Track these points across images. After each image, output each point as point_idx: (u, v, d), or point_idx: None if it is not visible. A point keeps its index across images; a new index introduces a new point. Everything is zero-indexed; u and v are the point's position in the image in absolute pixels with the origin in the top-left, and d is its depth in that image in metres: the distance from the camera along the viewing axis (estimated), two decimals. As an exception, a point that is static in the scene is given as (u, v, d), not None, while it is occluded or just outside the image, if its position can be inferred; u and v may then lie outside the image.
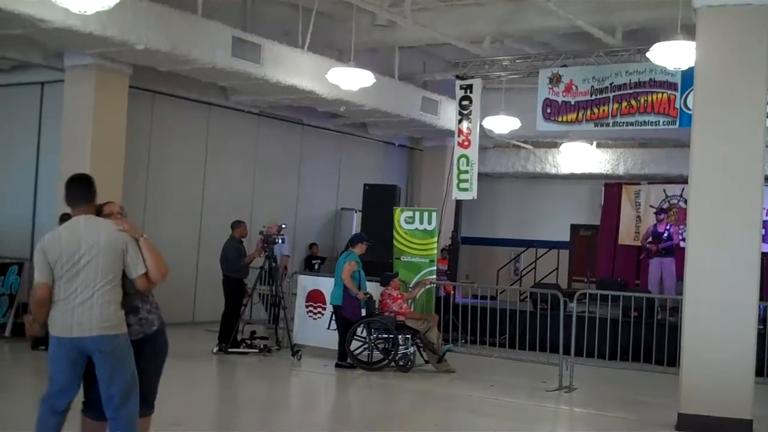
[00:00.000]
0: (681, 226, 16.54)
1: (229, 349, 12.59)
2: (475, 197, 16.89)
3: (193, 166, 16.05)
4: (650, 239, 16.06)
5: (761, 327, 10.88)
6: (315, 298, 13.42)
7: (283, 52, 14.05)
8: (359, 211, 17.49)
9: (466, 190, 16.77)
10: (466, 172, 16.72)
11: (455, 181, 16.86)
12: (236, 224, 13.28)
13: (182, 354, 12.71)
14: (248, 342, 13.00)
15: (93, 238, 5.41)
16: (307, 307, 13.54)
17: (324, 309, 13.23)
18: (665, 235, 15.69)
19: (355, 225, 18.39)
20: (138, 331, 5.57)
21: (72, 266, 5.35)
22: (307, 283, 13.79)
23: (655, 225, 16.48)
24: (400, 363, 11.98)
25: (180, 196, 15.72)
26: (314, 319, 13.42)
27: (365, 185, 16.78)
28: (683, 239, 15.16)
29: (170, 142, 15.53)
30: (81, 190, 5.65)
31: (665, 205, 19.16)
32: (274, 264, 12.99)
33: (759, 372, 9.30)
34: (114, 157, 13.57)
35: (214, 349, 12.69)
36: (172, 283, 16.19)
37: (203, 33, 12.71)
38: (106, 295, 5.37)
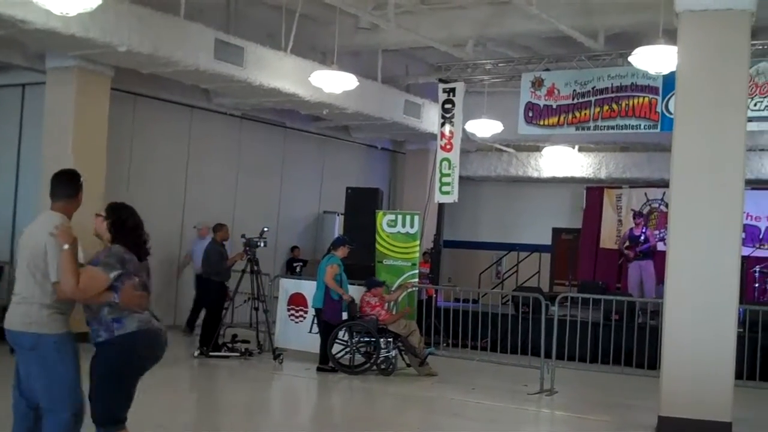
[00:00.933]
0: (661, 230, 16.63)
1: (211, 353, 12.55)
2: (457, 200, 16.92)
3: (176, 169, 15.99)
4: (627, 243, 16.11)
5: (741, 330, 10.95)
6: (297, 301, 13.40)
7: (266, 55, 14.03)
8: (341, 214, 17.48)
9: (447, 193, 16.79)
10: (448, 175, 16.74)
11: (437, 184, 16.88)
12: (218, 227, 13.26)
13: (163, 358, 12.70)
14: (230, 345, 12.96)
15: (33, 235, 5.38)
16: (288, 310, 13.51)
17: (306, 312, 13.21)
18: (642, 238, 15.75)
19: (337, 228, 18.37)
20: (92, 337, 5.40)
21: (19, 260, 5.41)
22: (288, 286, 13.77)
23: (631, 229, 16.53)
24: (382, 366, 11.98)
25: (162, 198, 15.65)
26: (296, 322, 13.40)
27: (348, 188, 16.76)
28: (661, 241, 15.29)
29: (152, 144, 15.47)
30: (58, 186, 5.58)
31: (646, 209, 19.25)
32: (256, 267, 12.96)
33: (739, 375, 9.36)
34: (95, 160, 13.48)
35: (195, 353, 12.65)
36: (153, 286, 16.14)
37: (186, 35, 12.67)
38: (30, 293, 5.30)
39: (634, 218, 16.85)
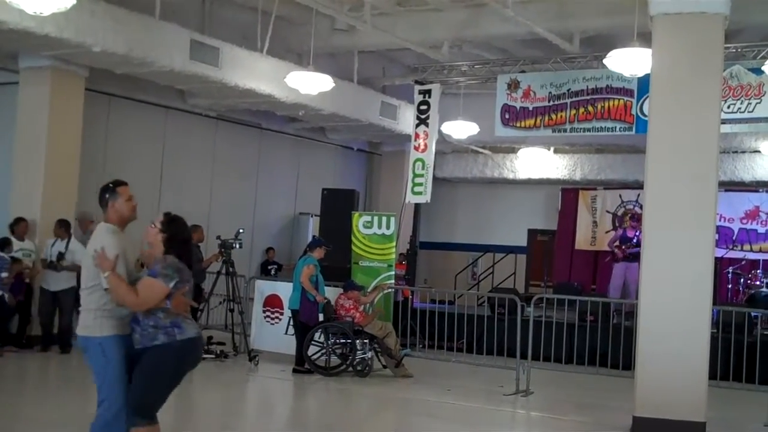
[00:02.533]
0: (637, 232, 16.72)
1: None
2: (429, 201, 16.95)
3: (150, 170, 15.89)
4: (617, 242, 16.12)
5: (714, 331, 11.05)
6: (272, 303, 13.36)
7: (242, 56, 13.98)
8: (316, 215, 17.46)
9: (420, 194, 16.82)
10: (421, 176, 16.77)
11: (410, 184, 16.91)
12: (193, 228, 13.16)
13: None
14: (205, 347, 12.89)
15: (88, 247, 5.68)
16: (264, 312, 13.47)
17: (281, 314, 13.17)
18: (634, 240, 15.80)
19: (311, 229, 18.34)
20: (138, 341, 5.60)
21: None
22: (264, 288, 13.73)
23: (624, 229, 16.53)
24: (358, 368, 11.97)
25: (136, 199, 15.50)
26: (271, 324, 13.36)
27: (323, 190, 16.75)
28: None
29: (127, 145, 15.36)
30: (98, 199, 5.94)
31: (620, 211, 19.34)
32: (231, 269, 12.90)
33: (712, 375, 9.44)
34: (69, 160, 13.41)
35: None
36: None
37: (161, 35, 12.60)
38: (83, 300, 5.63)
39: (631, 219, 16.84)
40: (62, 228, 12.72)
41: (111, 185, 5.90)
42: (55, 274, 12.67)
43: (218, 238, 12.99)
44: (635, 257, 15.51)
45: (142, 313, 5.56)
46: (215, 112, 16.93)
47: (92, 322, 5.57)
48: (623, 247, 15.88)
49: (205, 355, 12.64)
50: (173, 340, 5.57)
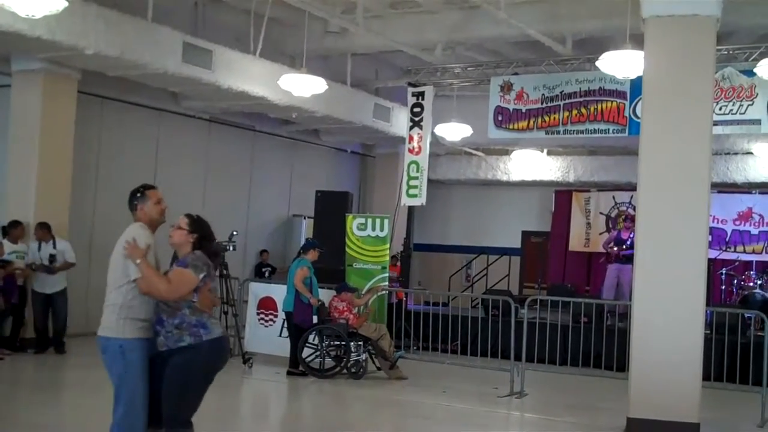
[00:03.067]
0: (630, 233, 16.74)
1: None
2: (424, 203, 16.96)
3: (143, 172, 15.80)
4: (612, 244, 16.14)
5: (708, 332, 11.07)
6: (266, 305, 13.35)
7: (235, 58, 13.98)
8: (309, 217, 17.44)
9: (415, 196, 16.83)
10: (416, 178, 16.78)
11: (405, 187, 16.91)
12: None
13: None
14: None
15: (117, 245, 5.70)
16: (258, 314, 13.46)
17: (275, 316, 13.16)
18: (628, 242, 15.82)
19: (305, 231, 18.33)
20: (162, 343, 5.59)
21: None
22: (258, 290, 13.72)
23: (619, 231, 16.57)
24: (352, 370, 11.96)
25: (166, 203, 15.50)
26: (265, 326, 13.35)
27: (317, 192, 16.75)
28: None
29: (120, 147, 15.34)
30: (128, 201, 5.94)
31: (614, 213, 19.38)
32: (225, 271, 12.88)
33: (706, 376, 9.46)
34: (62, 163, 13.38)
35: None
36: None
37: (153, 38, 12.59)
38: (111, 298, 5.64)
39: (624, 221, 16.87)
40: (44, 230, 12.70)
41: (140, 189, 5.95)
42: (48, 276, 12.67)
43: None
44: (629, 259, 15.52)
45: (167, 312, 5.56)
46: (208, 115, 16.91)
47: (115, 323, 5.56)
48: (617, 248, 15.90)
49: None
50: (200, 341, 5.55)
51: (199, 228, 5.86)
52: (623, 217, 17.52)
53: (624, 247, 15.77)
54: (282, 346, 12.50)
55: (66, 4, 9.27)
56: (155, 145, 16.07)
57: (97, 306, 15.63)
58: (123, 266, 5.56)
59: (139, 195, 5.90)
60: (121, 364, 5.52)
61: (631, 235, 15.80)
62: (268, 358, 12.86)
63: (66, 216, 13.34)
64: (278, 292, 12.92)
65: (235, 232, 13.20)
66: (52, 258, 12.68)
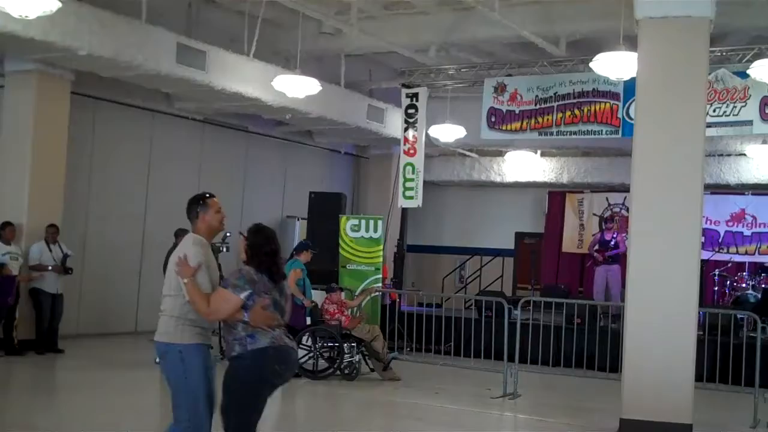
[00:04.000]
0: (623, 234, 16.77)
1: (173, 359, 12.43)
2: (420, 205, 16.95)
3: (137, 173, 15.86)
4: (597, 247, 16.22)
5: (701, 333, 11.09)
6: (260, 306, 13.31)
7: (229, 59, 13.97)
8: (303, 218, 17.43)
9: (411, 198, 16.82)
10: (412, 180, 16.77)
11: (400, 189, 16.90)
12: (180, 232, 13.08)
13: (125, 364, 12.59)
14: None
15: (173, 255, 5.75)
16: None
17: (269, 318, 13.12)
18: (612, 243, 15.88)
19: (298, 233, 18.31)
20: (227, 352, 5.67)
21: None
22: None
23: (602, 233, 16.65)
24: (346, 371, 11.96)
25: (123, 203, 15.52)
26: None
27: (311, 193, 16.74)
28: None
29: (113, 148, 15.33)
30: (187, 210, 5.97)
31: (607, 214, 19.42)
32: (219, 273, 12.85)
33: (699, 377, 9.48)
34: (55, 164, 13.37)
35: (157, 359, 12.50)
36: (115, 292, 16.00)
37: (147, 39, 12.58)
38: (165, 306, 5.70)
39: (606, 222, 16.96)
40: (55, 231, 12.91)
41: (202, 197, 5.95)
42: (54, 276, 12.84)
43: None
44: (614, 260, 15.60)
45: (225, 327, 5.63)
46: (202, 116, 16.89)
47: (174, 329, 5.60)
48: (603, 250, 15.94)
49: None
50: (244, 351, 5.52)
51: (252, 238, 5.80)
52: (605, 218, 17.60)
53: (608, 248, 15.83)
54: (275, 348, 12.46)
55: (59, 4, 9.26)
56: (149, 146, 16.06)
57: (89, 308, 15.74)
58: (177, 279, 5.61)
59: (201, 203, 5.90)
60: (180, 369, 5.58)
61: (615, 236, 15.88)
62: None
63: (59, 217, 13.32)
64: (271, 294, 12.87)
65: (228, 233, 13.17)
66: (65, 258, 12.83)
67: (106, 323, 15.01)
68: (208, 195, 5.96)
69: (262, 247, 5.72)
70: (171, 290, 5.67)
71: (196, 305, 5.50)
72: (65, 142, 13.51)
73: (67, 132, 13.52)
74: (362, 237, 14.36)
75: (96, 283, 14.81)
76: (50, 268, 12.82)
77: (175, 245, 12.84)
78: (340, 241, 14.44)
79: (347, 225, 14.50)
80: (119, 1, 12.40)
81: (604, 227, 16.82)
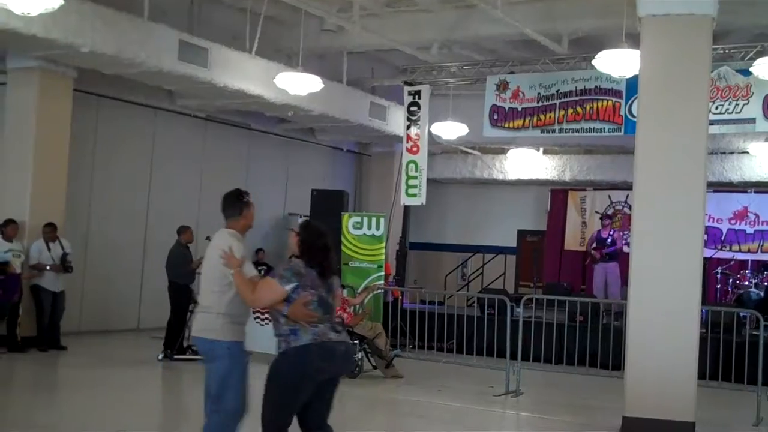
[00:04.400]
0: (625, 231, 16.77)
1: (175, 356, 12.45)
2: (424, 203, 16.93)
3: (139, 171, 15.87)
4: (594, 245, 16.24)
5: (704, 331, 11.08)
6: (262, 303, 13.31)
7: (231, 57, 13.96)
8: (305, 216, 17.43)
9: (414, 195, 16.80)
10: (415, 177, 16.76)
11: (403, 186, 16.89)
12: (182, 229, 13.17)
13: (127, 361, 12.61)
14: (194, 348, 12.85)
15: (211, 253, 5.87)
16: (253, 313, 13.42)
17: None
18: (609, 240, 15.88)
19: (301, 230, 18.28)
20: (277, 349, 5.74)
21: (202, 274, 5.97)
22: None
23: (599, 231, 16.67)
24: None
25: (125, 200, 15.54)
26: (261, 325, 13.30)
27: (313, 190, 16.75)
28: (627, 244, 15.41)
29: (116, 146, 15.34)
30: (225, 206, 6.13)
31: (610, 211, 19.41)
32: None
33: (701, 375, 9.47)
34: (58, 161, 13.38)
35: (160, 356, 12.54)
36: (117, 289, 15.99)
37: (150, 36, 12.57)
38: (209, 303, 5.79)
39: (601, 220, 16.98)
40: (53, 230, 12.91)
41: (245, 194, 6.12)
42: (54, 274, 12.87)
43: (208, 239, 12.92)
44: (612, 257, 15.61)
45: (273, 323, 5.73)
46: (204, 113, 16.90)
47: (220, 327, 5.69)
48: (600, 248, 15.95)
49: (194, 357, 12.62)
50: (288, 347, 5.61)
51: (303, 232, 5.80)
52: (601, 216, 17.61)
53: (605, 245, 15.83)
54: (278, 345, 12.46)
55: (62, 2, 9.25)
56: (151, 143, 16.07)
57: (91, 305, 15.72)
58: (221, 273, 5.67)
59: (245, 201, 6.08)
60: (228, 365, 5.72)
61: (611, 233, 15.89)
62: (263, 356, 12.75)
63: (62, 214, 13.33)
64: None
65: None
66: (65, 257, 12.83)
67: (108, 320, 15.03)
68: (247, 193, 6.15)
69: (315, 242, 5.72)
70: (215, 286, 5.74)
71: (243, 292, 5.59)
72: (67, 140, 13.51)
73: (69, 129, 13.52)
74: (364, 234, 14.36)
75: (98, 281, 14.82)
76: (48, 267, 12.82)
77: (178, 243, 12.98)
78: (343, 239, 14.43)
79: (349, 222, 14.50)
80: (121, -1, 12.41)
81: (601, 224, 16.83)
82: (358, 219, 14.61)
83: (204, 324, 5.78)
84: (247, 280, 5.62)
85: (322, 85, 13.66)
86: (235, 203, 6.03)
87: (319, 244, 5.71)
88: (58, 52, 12.08)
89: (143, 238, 15.82)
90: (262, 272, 17.88)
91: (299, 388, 5.59)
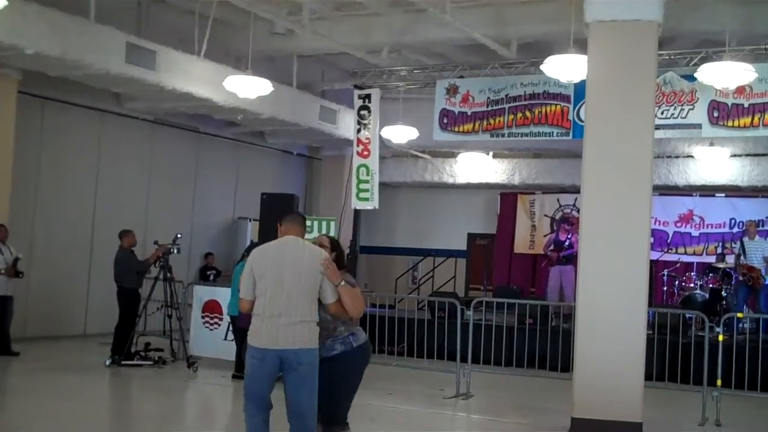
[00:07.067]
0: (574, 235, 16.93)
1: (123, 362, 12.30)
2: (377, 207, 16.90)
3: (86, 174, 15.65)
4: (552, 247, 16.32)
5: (650, 332, 11.22)
6: (211, 308, 13.23)
7: (179, 59, 13.84)
8: (255, 220, 17.34)
9: (366, 199, 16.75)
10: (366, 181, 16.70)
11: (354, 190, 16.83)
12: (124, 234, 13.01)
13: (74, 367, 12.41)
14: (142, 354, 12.73)
15: (301, 263, 5.94)
16: (203, 317, 13.33)
17: (221, 319, 13.05)
18: (566, 243, 16.00)
19: (250, 234, 18.21)
20: (324, 350, 6.05)
21: (276, 284, 5.88)
22: (203, 293, 13.59)
23: (556, 233, 16.78)
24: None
25: (72, 204, 15.31)
26: (210, 329, 13.23)
27: (263, 194, 16.61)
28: (575, 246, 15.55)
29: (61, 149, 15.11)
30: (296, 222, 6.34)
31: (558, 215, 19.58)
32: (169, 274, 12.76)
33: (648, 376, 9.59)
34: (2, 165, 13.18)
35: (107, 362, 12.38)
36: (63, 294, 15.75)
37: (96, 38, 12.40)
38: (309, 315, 5.90)
39: (562, 223, 17.07)
40: (4, 232, 12.65)
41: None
42: (3, 278, 12.65)
43: (156, 243, 12.84)
44: (568, 260, 15.73)
45: (322, 329, 6.01)
46: (152, 116, 16.72)
47: (315, 336, 5.93)
48: (557, 250, 16.07)
49: (142, 362, 12.51)
50: (350, 348, 6.19)
51: (338, 248, 6.40)
52: (562, 219, 17.75)
53: (563, 248, 15.96)
54: (227, 350, 12.39)
55: (6, 3, 9.11)
56: (98, 146, 15.86)
57: (37, 310, 15.42)
58: (315, 284, 5.89)
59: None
60: (316, 369, 5.95)
61: (569, 236, 16.01)
62: (213, 361, 12.73)
63: (5, 218, 13.10)
64: (223, 296, 12.81)
65: (179, 235, 13.08)
66: (16, 261, 12.68)
67: (54, 326, 14.79)
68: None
69: (344, 252, 6.46)
70: (308, 296, 5.90)
71: (357, 305, 6.03)
72: (12, 143, 13.31)
73: (13, 132, 13.31)
74: (313, 239, 14.29)
75: (44, 285, 14.58)
76: (2, 271, 12.58)
77: (121, 248, 12.82)
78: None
79: (300, 226, 14.43)
80: (67, 0, 12.21)
81: (558, 228, 16.95)
82: (309, 223, 14.52)
83: (301, 335, 5.86)
84: (355, 291, 6.03)
85: (272, 89, 13.60)
86: (302, 221, 6.42)
87: (344, 258, 6.43)
88: (2, 53, 11.87)
89: (90, 243, 15.61)
90: (212, 277, 17.89)
91: (360, 380, 6.36)
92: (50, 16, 11.70)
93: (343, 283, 5.93)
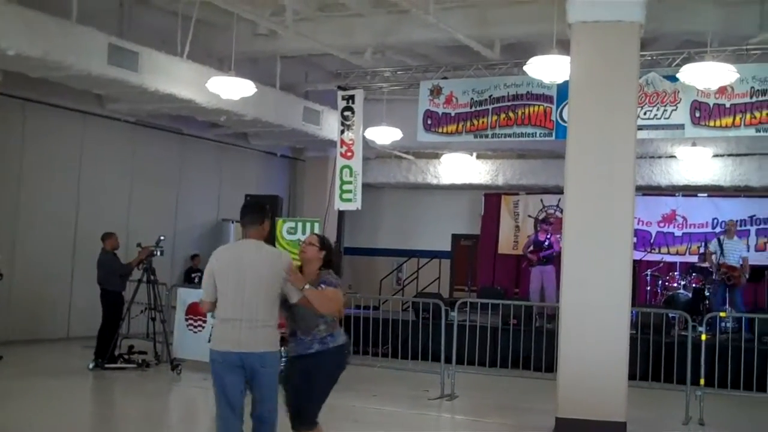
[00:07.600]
0: (559, 235, 16.97)
1: (107, 365, 12.24)
2: (360, 208, 16.90)
3: (68, 176, 15.56)
4: (531, 248, 16.38)
5: (633, 332, 11.26)
6: (195, 311, 13.16)
7: (162, 60, 13.78)
8: (238, 221, 17.30)
9: (349, 200, 16.76)
10: (350, 182, 16.71)
11: (338, 191, 16.84)
12: (106, 236, 12.94)
13: (57, 371, 12.34)
14: (126, 357, 12.67)
15: (260, 266, 5.88)
16: (187, 320, 13.27)
17: (204, 322, 12.99)
18: (546, 243, 16.04)
19: (234, 236, 18.16)
20: (293, 349, 6.22)
21: (236, 287, 5.84)
22: (186, 296, 13.53)
23: (536, 234, 16.83)
24: (282, 374, 11.84)
25: (54, 206, 15.22)
26: (194, 332, 13.18)
27: (246, 195, 16.58)
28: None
29: (43, 151, 15.02)
30: (252, 214, 6.20)
31: (542, 215, 19.63)
32: (153, 276, 12.71)
33: (632, 375, 9.62)
34: (-18, 167, 13.08)
35: (91, 365, 12.31)
36: (46, 297, 15.66)
37: (78, 39, 12.33)
38: (270, 318, 5.90)
39: (541, 223, 17.13)
40: None
41: (266, 205, 6.33)
42: None
43: (139, 245, 12.78)
44: (548, 260, 15.78)
45: (302, 329, 6.11)
46: (134, 118, 16.64)
47: (275, 339, 5.95)
48: (537, 251, 16.11)
49: (126, 365, 12.44)
50: (326, 347, 6.13)
51: (328, 247, 6.29)
52: (551, 219, 17.78)
53: (542, 248, 16.00)
54: (211, 352, 12.33)
55: (-14, 4, 9.05)
56: (80, 148, 15.77)
57: (19, 313, 15.35)
58: (278, 288, 5.84)
59: (267, 210, 6.23)
60: (276, 372, 6.03)
61: (548, 237, 16.06)
62: (197, 364, 12.65)
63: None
64: (207, 298, 12.74)
65: (162, 237, 13.03)
66: None
67: (37, 329, 14.69)
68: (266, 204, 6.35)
69: (333, 255, 6.35)
70: (268, 300, 5.84)
71: (331, 307, 5.94)
72: (-7, 144, 13.22)
73: (-6, 133, 13.23)
74: (299, 240, 14.25)
75: (26, 288, 14.49)
76: None
77: (104, 250, 12.75)
78: (277, 244, 14.31)
79: (283, 228, 14.40)
80: (49, 1, 12.14)
81: (539, 228, 16.99)
82: (293, 224, 14.51)
83: (263, 338, 5.88)
84: (322, 292, 5.89)
85: (255, 90, 13.57)
86: (259, 212, 6.17)
87: (336, 260, 6.40)
88: (-19, 54, 11.79)
89: (72, 245, 15.52)
90: (196, 279, 17.81)
91: (336, 381, 6.30)
92: (32, 17, 11.63)
93: (307, 286, 5.80)
